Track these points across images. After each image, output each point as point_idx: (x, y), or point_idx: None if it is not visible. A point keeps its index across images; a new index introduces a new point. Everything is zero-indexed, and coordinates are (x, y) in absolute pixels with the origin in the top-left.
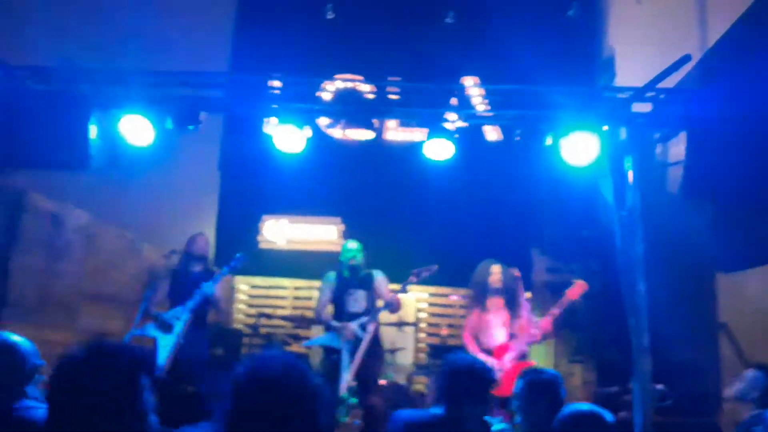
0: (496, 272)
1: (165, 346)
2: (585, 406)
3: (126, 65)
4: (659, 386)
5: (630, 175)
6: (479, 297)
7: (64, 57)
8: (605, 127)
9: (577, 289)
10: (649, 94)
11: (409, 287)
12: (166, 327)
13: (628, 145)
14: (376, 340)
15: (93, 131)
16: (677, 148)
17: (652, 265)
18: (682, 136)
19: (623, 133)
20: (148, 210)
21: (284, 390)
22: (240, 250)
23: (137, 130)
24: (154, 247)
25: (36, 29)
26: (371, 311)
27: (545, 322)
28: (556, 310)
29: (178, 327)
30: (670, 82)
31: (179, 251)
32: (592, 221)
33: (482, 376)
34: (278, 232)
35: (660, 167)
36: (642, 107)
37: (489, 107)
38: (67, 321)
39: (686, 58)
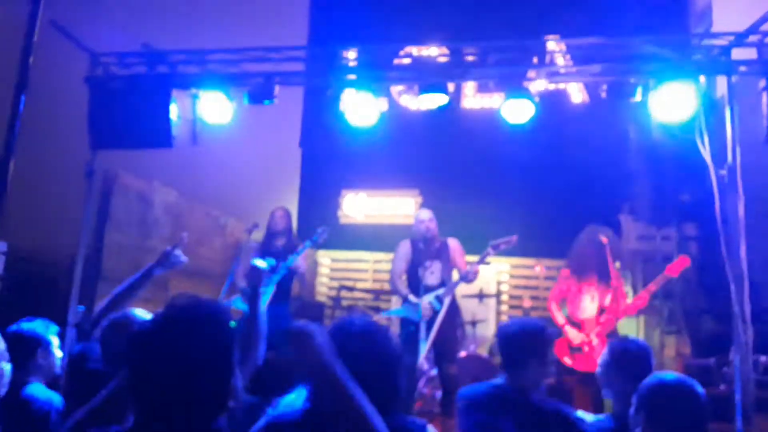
0: (604, 239)
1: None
2: (670, 375)
3: (204, 45)
4: (762, 358)
5: (730, 130)
6: (581, 264)
7: (145, 42)
8: (702, 78)
9: (678, 265)
10: (752, 38)
11: (488, 259)
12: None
13: (727, 96)
14: (454, 312)
15: (174, 111)
16: None
17: (753, 228)
18: None
19: (722, 84)
20: (231, 187)
21: (364, 354)
22: (322, 225)
23: (216, 107)
24: (238, 223)
25: (118, 16)
26: (447, 284)
27: (641, 299)
28: (653, 287)
29: (264, 299)
30: None
31: (261, 225)
32: (688, 183)
33: (536, 336)
34: (357, 206)
35: (764, 120)
36: (744, 54)
37: (572, 64)
38: (158, 295)
39: None
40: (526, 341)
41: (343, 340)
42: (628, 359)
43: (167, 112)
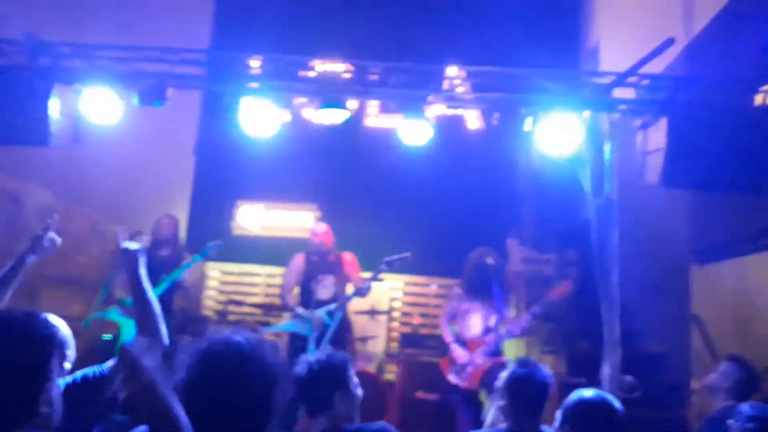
0: (490, 261)
1: (128, 331)
2: (591, 392)
3: (99, 41)
4: (628, 378)
5: (608, 163)
6: (471, 284)
7: (32, 32)
8: (586, 113)
9: (561, 289)
10: (631, 80)
11: (382, 275)
12: (130, 311)
13: (608, 131)
14: (345, 327)
15: (55, 107)
16: (657, 136)
17: (627, 255)
18: (663, 124)
19: (603, 120)
20: (116, 192)
21: (237, 368)
22: (213, 236)
23: (103, 107)
24: (121, 231)
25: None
26: (340, 298)
27: (525, 321)
28: (537, 309)
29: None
30: (654, 69)
31: (145, 234)
32: (570, 211)
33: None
34: (253, 218)
35: (639, 155)
36: (624, 93)
37: (469, 90)
38: (28, 305)
39: (669, 42)
40: (327, 377)
41: (217, 356)
42: (524, 387)
43: (46, 107)
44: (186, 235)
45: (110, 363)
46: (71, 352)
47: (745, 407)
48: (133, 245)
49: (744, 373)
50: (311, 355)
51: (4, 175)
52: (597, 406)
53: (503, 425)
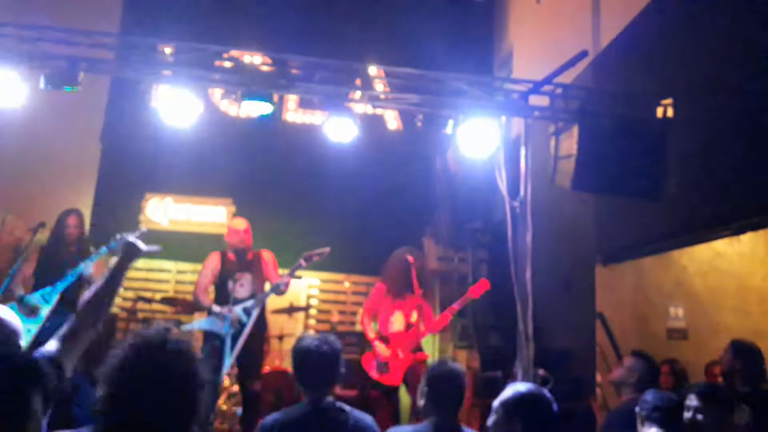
0: (412, 259)
1: (28, 331)
2: (525, 386)
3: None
4: (541, 371)
5: (523, 166)
6: (393, 281)
7: None
8: (503, 118)
9: (479, 287)
10: (546, 88)
11: (299, 271)
12: (30, 310)
13: (523, 137)
14: (262, 326)
15: None
16: (569, 142)
17: (538, 255)
18: (574, 131)
19: (518, 126)
20: (16, 179)
21: (162, 372)
22: (119, 229)
23: (5, 88)
24: (19, 221)
25: None
26: (257, 296)
27: (444, 317)
28: (456, 306)
29: (45, 310)
30: (565, 78)
31: (49, 225)
32: (483, 211)
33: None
34: (162, 211)
35: (552, 160)
36: (538, 101)
37: (389, 90)
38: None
39: (583, 54)
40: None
41: (138, 355)
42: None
43: None
44: (90, 227)
45: None
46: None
47: (648, 396)
48: (140, 243)
49: (647, 367)
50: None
51: None
52: (538, 398)
53: (426, 422)
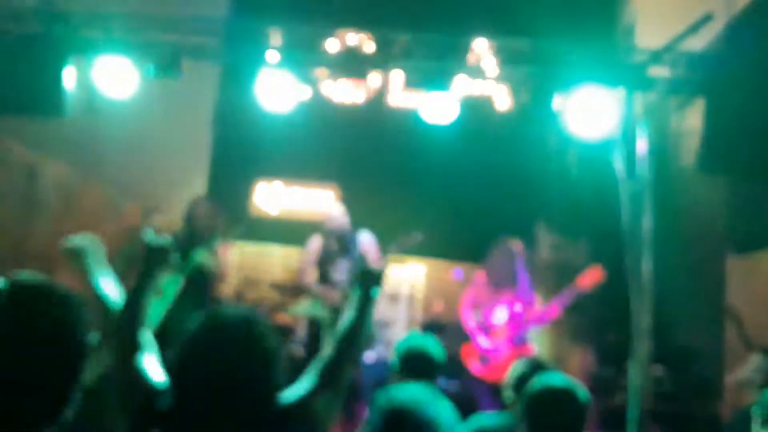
0: (516, 247)
1: (156, 312)
2: (557, 379)
3: (112, 8)
4: (658, 370)
5: (642, 144)
6: (496, 273)
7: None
8: (620, 91)
9: (590, 277)
10: (667, 57)
11: (403, 259)
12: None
13: (642, 112)
14: None
15: (70, 77)
16: (694, 118)
17: (660, 242)
18: (700, 105)
19: (637, 100)
20: (131, 166)
21: (238, 346)
22: (231, 215)
23: (118, 78)
24: (135, 207)
25: None
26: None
27: (552, 309)
28: (565, 298)
29: (170, 291)
30: (693, 47)
31: (161, 209)
32: (602, 195)
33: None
34: (272, 197)
35: (675, 137)
36: (660, 72)
37: (497, 64)
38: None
39: (707, 18)
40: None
41: (214, 332)
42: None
43: (60, 77)
44: None
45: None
46: None
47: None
48: (160, 242)
49: None
50: None
51: (19, 147)
52: (561, 395)
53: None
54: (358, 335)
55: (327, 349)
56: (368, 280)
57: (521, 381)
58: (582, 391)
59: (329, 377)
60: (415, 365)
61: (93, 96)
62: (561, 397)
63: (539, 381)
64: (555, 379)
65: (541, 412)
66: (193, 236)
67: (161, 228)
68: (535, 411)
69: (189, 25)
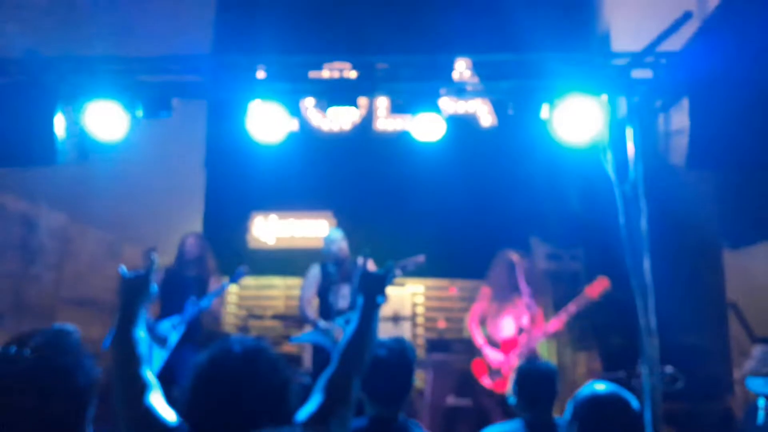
0: (517, 259)
1: (158, 358)
2: (604, 387)
3: (98, 53)
4: (669, 369)
5: (631, 147)
6: (499, 286)
7: (32, 48)
8: (604, 96)
9: (597, 286)
10: (648, 59)
11: (402, 281)
12: (159, 340)
13: (628, 115)
14: None
15: (60, 124)
16: (680, 117)
17: (656, 242)
18: (685, 104)
19: (622, 103)
20: (128, 209)
21: (244, 378)
22: (229, 250)
23: (108, 121)
24: (135, 249)
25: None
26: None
27: (559, 320)
28: (572, 308)
29: (173, 339)
30: (671, 46)
31: (160, 250)
32: (593, 201)
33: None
34: (268, 229)
35: (663, 137)
36: (642, 74)
37: (479, 81)
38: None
39: (687, 16)
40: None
41: (225, 364)
42: (532, 381)
43: (52, 125)
44: None
45: None
46: None
47: None
48: (134, 274)
49: None
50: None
51: (14, 196)
52: (611, 403)
53: (518, 419)
54: (364, 344)
55: (332, 363)
56: (370, 284)
57: (520, 377)
58: (633, 398)
59: (336, 391)
60: None
61: (85, 142)
62: (615, 405)
63: (587, 389)
64: (604, 387)
65: (593, 419)
66: (183, 269)
67: (161, 266)
68: (588, 419)
69: (175, 64)
